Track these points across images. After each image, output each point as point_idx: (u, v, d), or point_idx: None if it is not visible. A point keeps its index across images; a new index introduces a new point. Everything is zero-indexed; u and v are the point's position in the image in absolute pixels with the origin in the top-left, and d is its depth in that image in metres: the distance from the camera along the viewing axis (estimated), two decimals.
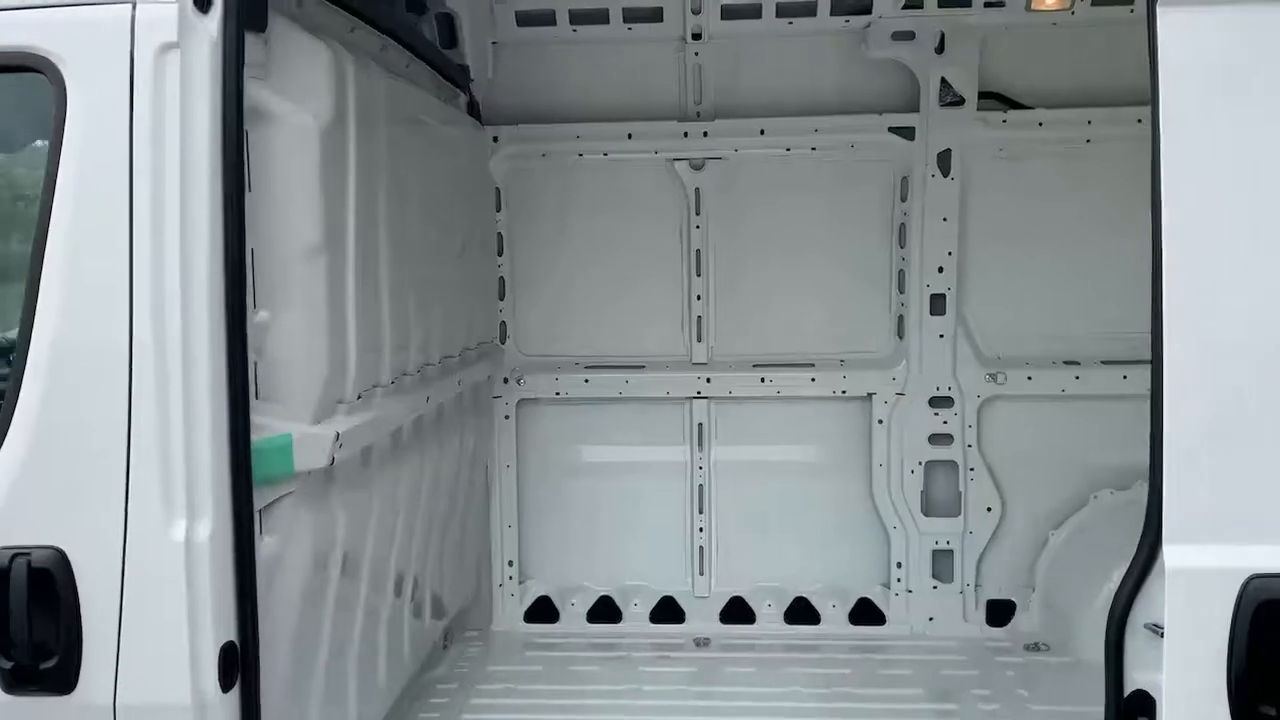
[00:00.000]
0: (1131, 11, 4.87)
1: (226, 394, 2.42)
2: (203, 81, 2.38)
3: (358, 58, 3.26)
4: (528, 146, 5.30)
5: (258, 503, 2.55)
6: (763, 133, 5.20)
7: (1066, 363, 5.22)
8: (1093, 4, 4.88)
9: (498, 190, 5.36)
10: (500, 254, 5.40)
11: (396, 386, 3.62)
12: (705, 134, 5.22)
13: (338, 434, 2.88)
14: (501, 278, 5.42)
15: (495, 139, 5.29)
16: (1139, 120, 4.85)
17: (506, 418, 5.44)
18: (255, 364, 2.73)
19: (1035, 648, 5.10)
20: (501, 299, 5.43)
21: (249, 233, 2.48)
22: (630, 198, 5.34)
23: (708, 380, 5.37)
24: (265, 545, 2.69)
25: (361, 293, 3.15)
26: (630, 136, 5.25)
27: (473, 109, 5.09)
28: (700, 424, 5.44)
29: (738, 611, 5.40)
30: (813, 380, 5.33)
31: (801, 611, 5.37)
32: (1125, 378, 5.13)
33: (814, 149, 5.22)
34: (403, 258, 3.65)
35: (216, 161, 2.38)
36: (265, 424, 2.70)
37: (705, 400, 5.41)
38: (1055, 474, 5.28)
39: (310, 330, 2.84)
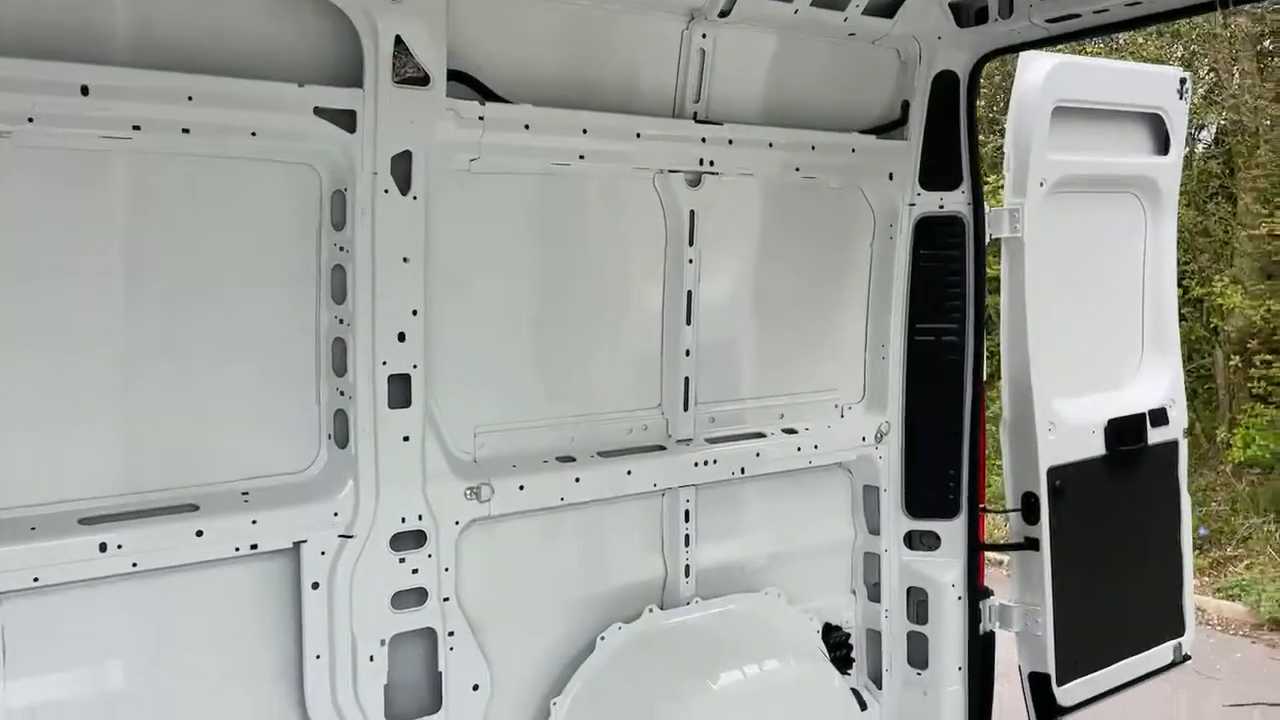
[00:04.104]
0: None
1: None
2: None
3: None
4: None
5: None
6: (86, 93, 2.78)
7: (561, 460, 3.76)
8: None
9: None
10: None
11: None
12: None
13: None
14: None
15: None
16: (638, 134, 3.64)
17: None
18: None
19: None
20: None
21: None
22: None
23: None
24: None
25: None
26: None
27: None
28: None
29: None
30: (199, 535, 3.04)
31: None
32: (630, 473, 3.87)
33: (186, 131, 2.95)
34: None
35: None
36: None
37: None
38: (555, 615, 3.81)
39: None
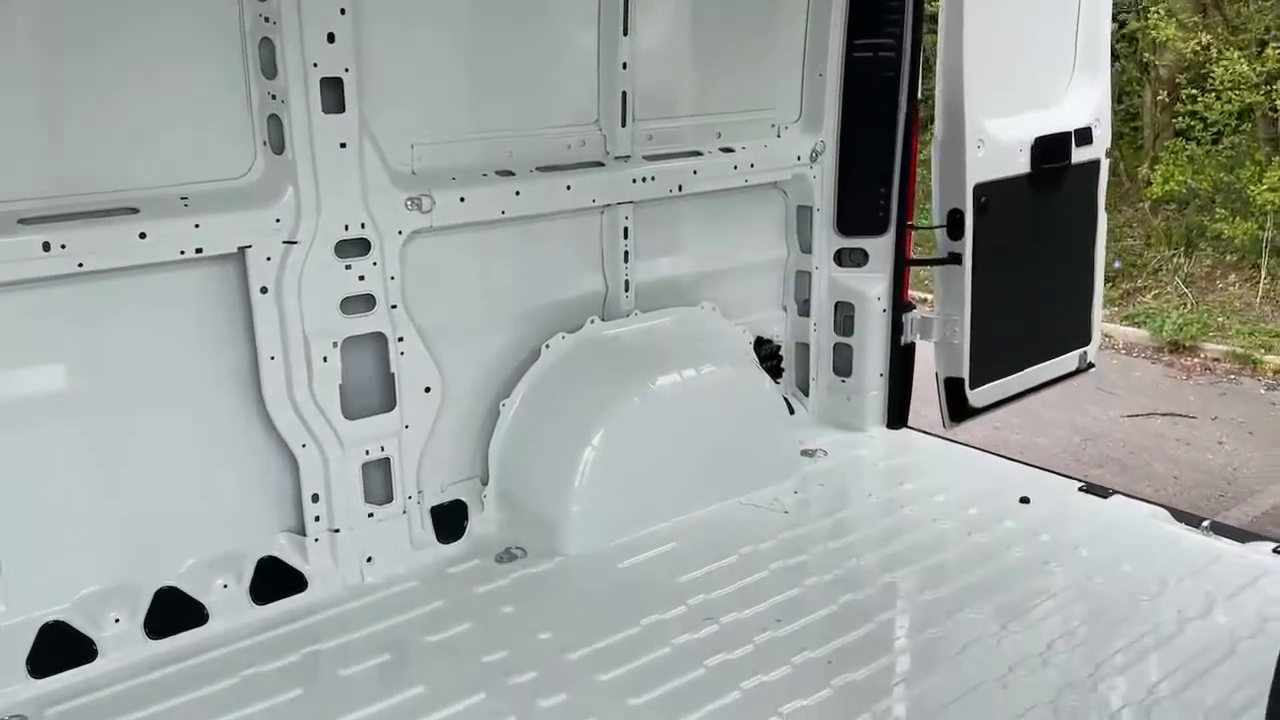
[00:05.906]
0: None
1: None
2: None
3: None
4: None
5: None
6: None
7: (500, 174, 3.79)
8: None
9: None
10: None
11: None
12: None
13: None
14: None
15: None
16: None
17: None
18: None
19: (508, 556, 3.84)
20: None
21: None
22: None
23: None
24: None
25: None
26: None
27: None
28: None
29: (62, 643, 3.09)
30: (143, 237, 3.06)
31: (173, 612, 3.30)
32: (570, 189, 3.92)
33: None
34: None
35: None
36: None
37: None
38: (501, 326, 3.96)
39: None
